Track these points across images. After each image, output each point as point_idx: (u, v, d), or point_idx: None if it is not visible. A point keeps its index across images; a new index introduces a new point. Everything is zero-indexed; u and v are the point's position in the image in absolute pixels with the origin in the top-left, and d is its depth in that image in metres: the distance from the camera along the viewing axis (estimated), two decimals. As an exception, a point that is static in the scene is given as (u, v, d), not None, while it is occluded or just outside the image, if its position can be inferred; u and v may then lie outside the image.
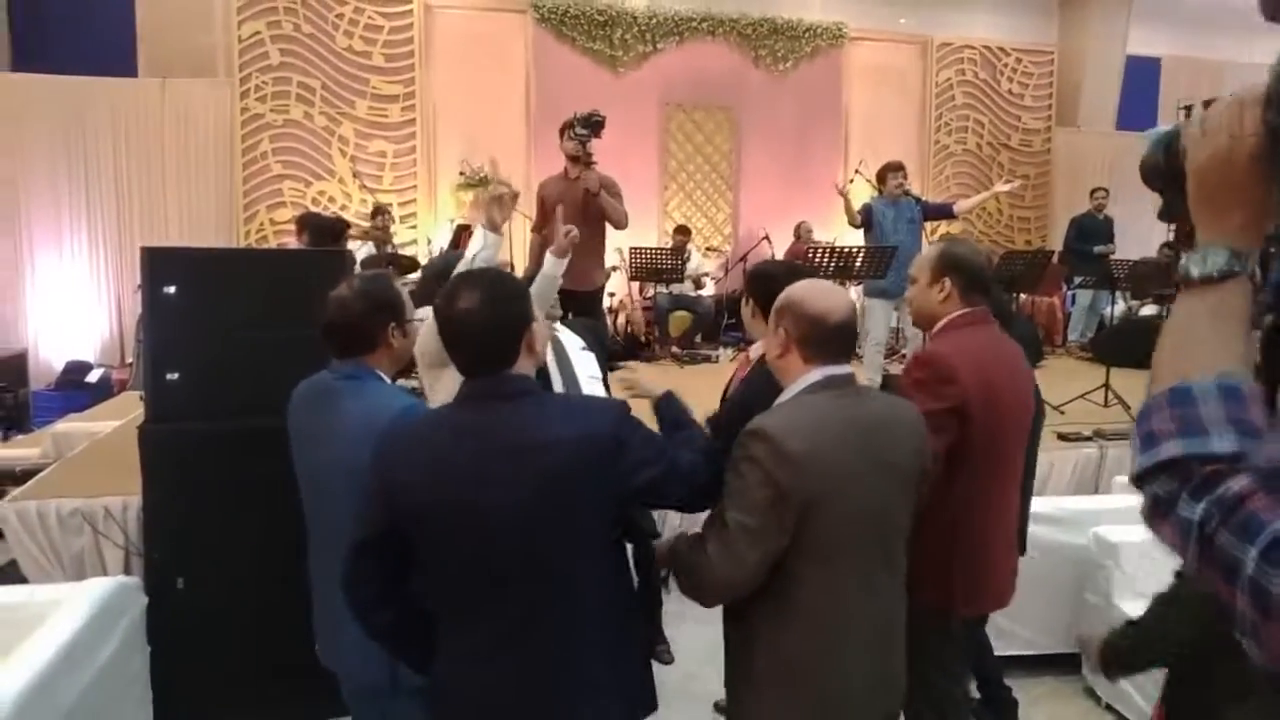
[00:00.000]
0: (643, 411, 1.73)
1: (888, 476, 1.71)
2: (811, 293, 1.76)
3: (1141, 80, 11.66)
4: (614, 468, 1.53)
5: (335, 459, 1.89)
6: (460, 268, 2.46)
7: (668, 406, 1.89)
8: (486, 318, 1.56)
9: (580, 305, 4.70)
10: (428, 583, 1.62)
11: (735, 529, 1.61)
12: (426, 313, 2.42)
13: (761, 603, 1.68)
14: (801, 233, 9.29)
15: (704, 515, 1.76)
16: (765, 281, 2.26)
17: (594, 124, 4.52)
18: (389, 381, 2.05)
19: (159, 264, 2.88)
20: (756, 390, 1.98)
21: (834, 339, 1.72)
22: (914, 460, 1.78)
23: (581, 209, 4.58)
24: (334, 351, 2.03)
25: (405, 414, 1.83)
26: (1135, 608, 3.16)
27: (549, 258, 2.98)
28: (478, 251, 2.63)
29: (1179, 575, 1.75)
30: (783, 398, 1.77)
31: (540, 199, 4.99)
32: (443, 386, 2.42)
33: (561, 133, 4.78)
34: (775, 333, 1.78)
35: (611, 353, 7.67)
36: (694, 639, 3.58)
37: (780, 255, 9.09)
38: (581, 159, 4.61)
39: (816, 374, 1.73)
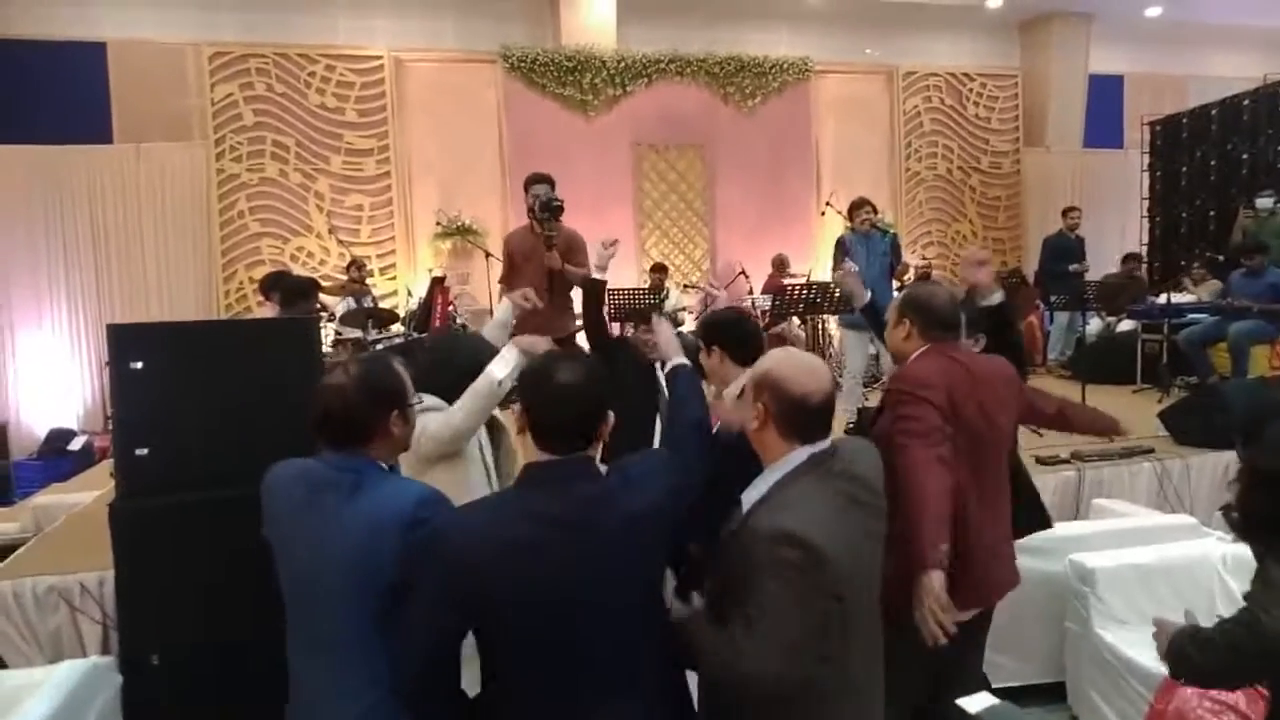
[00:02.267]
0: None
1: (874, 539, 1.78)
2: (793, 371, 1.76)
3: (1106, 98, 11.87)
4: (672, 520, 1.68)
5: (339, 559, 1.75)
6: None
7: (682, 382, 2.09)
8: (585, 396, 1.64)
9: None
10: (509, 677, 1.63)
11: (778, 633, 1.58)
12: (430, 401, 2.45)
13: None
14: (778, 265, 9.36)
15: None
16: (716, 329, 2.56)
17: (554, 209, 4.64)
18: (387, 469, 1.91)
19: (124, 340, 2.89)
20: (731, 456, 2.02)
21: (815, 420, 1.75)
22: (883, 510, 1.83)
23: (549, 268, 4.71)
24: (327, 443, 1.84)
25: (425, 504, 1.76)
26: (1114, 634, 3.19)
27: (503, 303, 3.01)
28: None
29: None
30: (769, 476, 1.77)
31: (507, 253, 5.04)
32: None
33: (525, 188, 4.88)
34: (754, 406, 1.79)
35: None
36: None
37: (759, 289, 9.17)
38: (544, 242, 4.71)
39: (802, 454, 1.74)
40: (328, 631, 1.78)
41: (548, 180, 4.83)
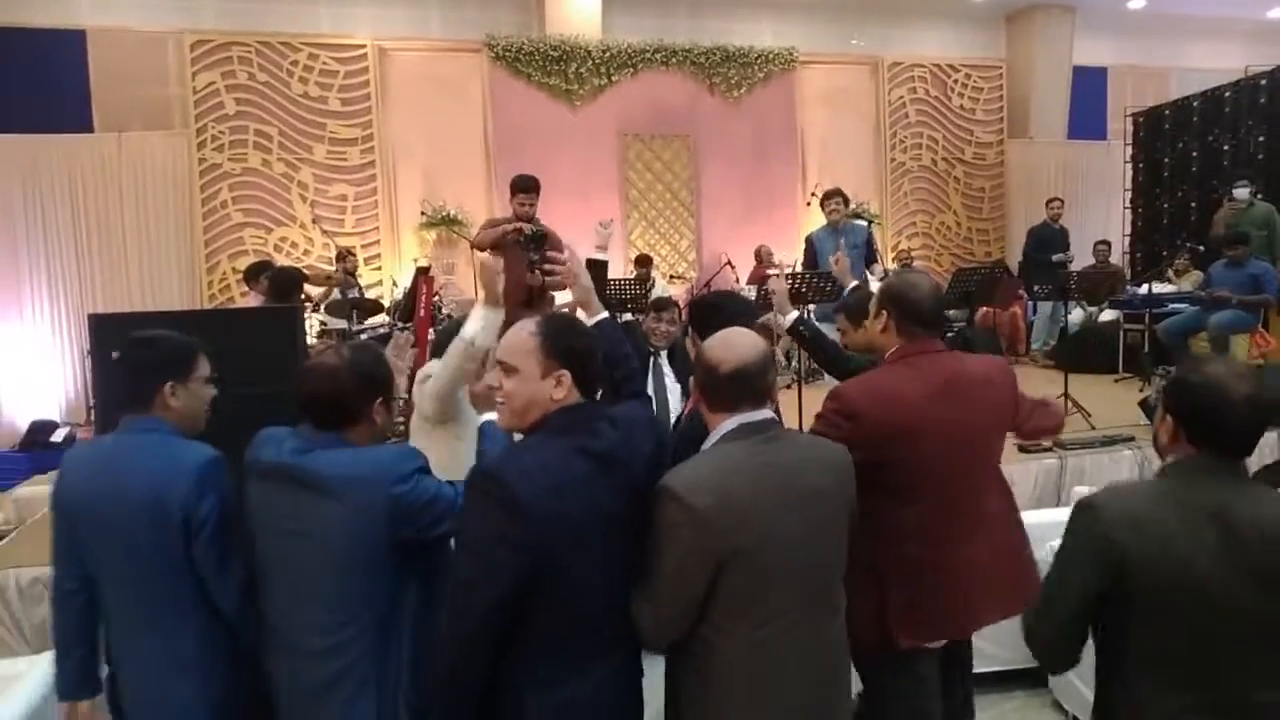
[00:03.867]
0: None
1: (809, 518, 1.72)
2: (713, 344, 1.83)
3: (1090, 89, 11.93)
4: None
5: (335, 532, 1.78)
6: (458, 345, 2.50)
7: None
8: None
9: None
10: (534, 628, 1.59)
11: (651, 587, 1.67)
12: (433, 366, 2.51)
13: (687, 657, 1.70)
14: (762, 256, 9.38)
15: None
16: (700, 312, 2.54)
17: (539, 240, 4.69)
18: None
19: (106, 330, 2.88)
20: (686, 437, 2.06)
21: (730, 388, 1.76)
22: (838, 500, 1.80)
23: (529, 285, 4.77)
24: (313, 422, 1.90)
25: (408, 456, 1.86)
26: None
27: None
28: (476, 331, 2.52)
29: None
30: (703, 448, 1.81)
31: (496, 232, 5.01)
32: (435, 443, 2.44)
33: (511, 191, 4.92)
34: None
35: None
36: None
37: (744, 279, 9.19)
38: (528, 267, 4.81)
39: (731, 422, 1.77)
40: (311, 584, 1.82)
41: (534, 188, 4.85)
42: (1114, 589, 1.59)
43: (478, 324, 2.52)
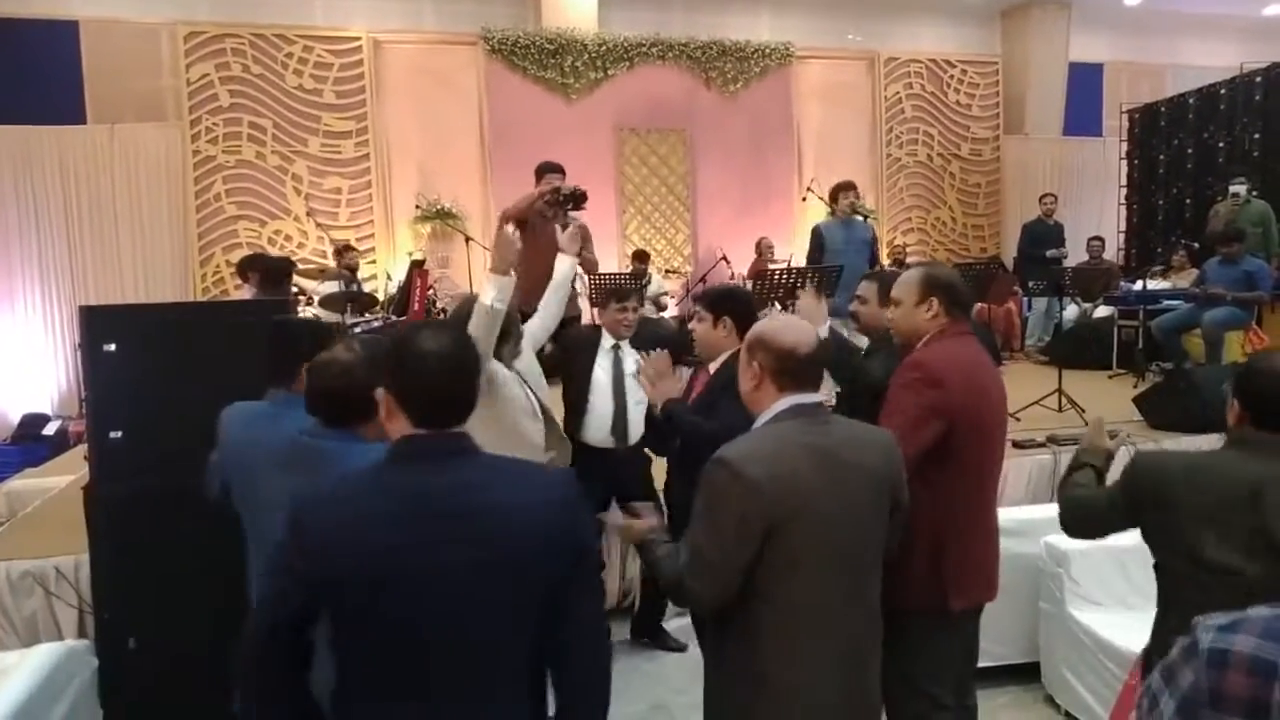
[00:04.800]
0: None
1: (853, 497, 1.80)
2: (781, 329, 1.93)
3: (1086, 86, 11.93)
4: (564, 543, 1.47)
5: None
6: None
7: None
8: (456, 361, 1.48)
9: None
10: (356, 671, 1.47)
11: (703, 552, 1.74)
12: None
13: (729, 623, 1.79)
14: (762, 249, 9.36)
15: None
16: (731, 300, 2.81)
17: (579, 197, 4.83)
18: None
19: (97, 322, 2.86)
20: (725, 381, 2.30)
21: (804, 369, 1.87)
22: (881, 484, 1.87)
23: (550, 243, 4.74)
24: (325, 419, 1.86)
25: None
26: (1088, 615, 3.23)
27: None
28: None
29: None
30: (755, 426, 1.91)
31: (529, 196, 5.01)
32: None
33: (538, 176, 4.97)
34: (749, 367, 1.92)
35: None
36: (668, 667, 3.60)
37: (743, 273, 9.18)
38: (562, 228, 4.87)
39: (785, 402, 1.86)
40: None
41: (561, 171, 4.95)
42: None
43: (493, 290, 2.71)
